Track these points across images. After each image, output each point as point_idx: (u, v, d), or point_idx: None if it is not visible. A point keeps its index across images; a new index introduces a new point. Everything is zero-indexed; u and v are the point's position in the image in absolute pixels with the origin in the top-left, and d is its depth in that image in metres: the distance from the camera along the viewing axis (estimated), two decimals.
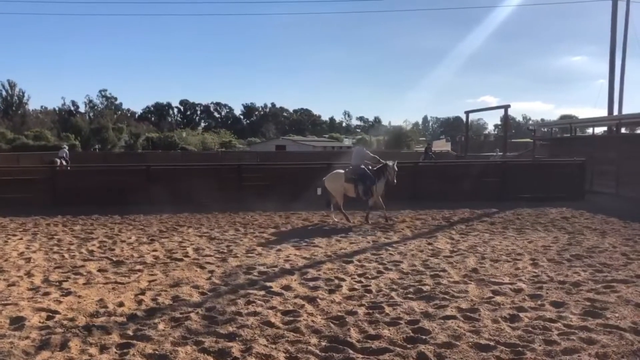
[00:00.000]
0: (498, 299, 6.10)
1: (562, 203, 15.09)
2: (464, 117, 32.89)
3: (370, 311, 5.68)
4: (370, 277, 7.18)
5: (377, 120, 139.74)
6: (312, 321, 5.36)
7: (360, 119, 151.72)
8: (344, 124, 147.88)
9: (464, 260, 8.14)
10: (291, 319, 5.45)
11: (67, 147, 30.02)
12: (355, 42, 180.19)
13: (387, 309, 5.73)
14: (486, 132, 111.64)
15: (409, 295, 6.27)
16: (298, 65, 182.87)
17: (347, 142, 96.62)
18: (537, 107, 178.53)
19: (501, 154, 26.15)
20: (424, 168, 18.24)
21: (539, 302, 5.95)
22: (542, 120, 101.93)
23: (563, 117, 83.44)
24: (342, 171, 12.45)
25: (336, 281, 6.93)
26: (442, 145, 54.59)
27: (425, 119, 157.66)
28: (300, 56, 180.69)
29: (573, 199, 15.80)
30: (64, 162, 24.59)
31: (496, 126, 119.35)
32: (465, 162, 22.60)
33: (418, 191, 16.14)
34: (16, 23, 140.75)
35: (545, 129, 35.49)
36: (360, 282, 6.92)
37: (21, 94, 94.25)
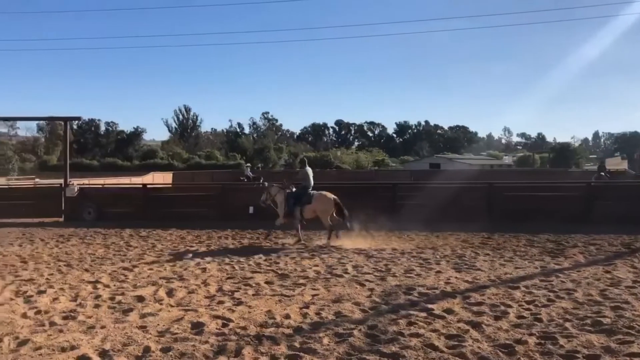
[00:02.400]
0: None
1: None
2: None
3: (542, 341, 5.27)
4: (539, 305, 6.69)
5: (540, 137, 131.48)
6: (479, 347, 5.12)
7: (522, 135, 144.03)
8: (503, 141, 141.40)
9: None
10: (456, 343, 5.26)
11: (248, 165, 33.69)
12: (514, 54, 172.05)
13: (561, 341, 5.28)
14: None
15: (586, 327, 5.71)
16: (452, 81, 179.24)
17: (507, 160, 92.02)
18: None
19: None
20: (599, 188, 16.69)
21: None
22: None
23: None
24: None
25: (502, 307, 6.57)
26: (617, 164, 49.63)
27: (596, 134, 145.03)
28: (455, 72, 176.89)
29: None
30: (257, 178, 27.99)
31: None
32: None
33: (592, 214, 14.80)
34: (190, 54, 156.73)
35: None
36: (528, 309, 6.48)
37: (195, 117, 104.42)
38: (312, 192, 12.36)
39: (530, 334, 5.51)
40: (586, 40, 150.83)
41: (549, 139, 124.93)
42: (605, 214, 14.67)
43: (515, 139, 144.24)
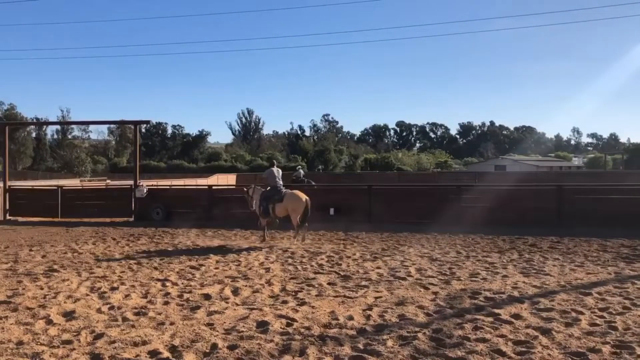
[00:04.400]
0: None
1: None
2: None
3: (618, 350, 5.03)
4: (614, 312, 6.38)
5: (613, 137, 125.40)
6: (549, 354, 4.94)
7: (593, 135, 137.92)
8: (572, 142, 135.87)
9: None
10: (524, 349, 5.10)
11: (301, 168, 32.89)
12: (581, 52, 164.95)
13: (639, 350, 5.02)
14: None
15: None
16: (518, 80, 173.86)
17: (577, 161, 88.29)
18: None
19: None
20: None
21: None
22: None
23: None
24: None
25: (573, 314, 6.31)
26: None
27: None
28: (520, 71, 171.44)
29: None
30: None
31: None
32: None
33: None
34: (253, 58, 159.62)
35: None
36: (602, 317, 6.19)
37: (257, 120, 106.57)
38: (284, 190, 12.70)
39: (605, 342, 5.27)
40: None
41: (623, 139, 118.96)
42: None
43: (585, 139, 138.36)
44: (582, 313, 6.34)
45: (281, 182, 12.93)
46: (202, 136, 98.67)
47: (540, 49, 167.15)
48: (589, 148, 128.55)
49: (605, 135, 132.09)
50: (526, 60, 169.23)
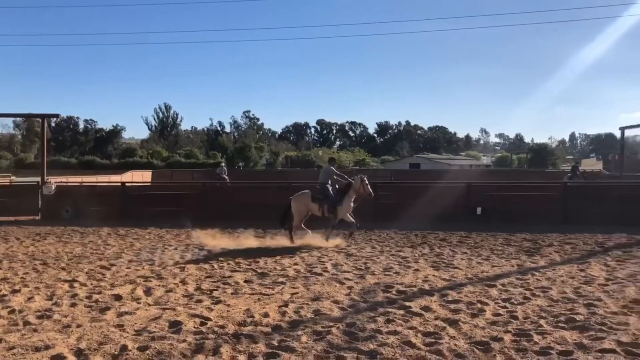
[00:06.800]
0: None
1: None
2: (617, 134, 30.20)
3: (518, 338, 5.36)
4: (516, 302, 6.79)
5: (518, 138, 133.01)
6: (455, 345, 5.18)
7: (500, 136, 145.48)
8: (481, 142, 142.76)
9: (623, 290, 7.38)
10: (432, 340, 5.32)
11: (224, 164, 31.88)
12: (493, 56, 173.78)
13: (536, 338, 5.37)
14: None
15: (560, 325, 5.82)
16: (433, 82, 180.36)
17: (485, 160, 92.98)
18: None
19: None
20: (576, 189, 16.97)
21: None
22: None
23: None
24: (308, 191, 12.28)
25: (479, 305, 6.65)
26: (592, 164, 50.41)
27: (572, 135, 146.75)
28: (435, 73, 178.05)
29: None
30: (225, 178, 26.28)
31: None
32: (623, 183, 20.64)
33: (568, 213, 15.07)
34: (171, 51, 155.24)
35: None
36: (505, 307, 6.57)
37: (175, 115, 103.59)
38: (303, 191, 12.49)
39: (506, 331, 5.59)
40: (563, 43, 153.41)
41: (527, 139, 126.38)
42: (581, 213, 14.94)
43: (493, 139, 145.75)
44: (486, 304, 6.69)
45: (323, 181, 12.49)
46: (116, 131, 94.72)
47: (454, 52, 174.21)
48: (496, 147, 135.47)
49: (512, 135, 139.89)
50: (440, 63, 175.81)
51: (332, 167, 13.10)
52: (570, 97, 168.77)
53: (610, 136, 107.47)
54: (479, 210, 15.75)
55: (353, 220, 12.08)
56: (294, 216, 12.05)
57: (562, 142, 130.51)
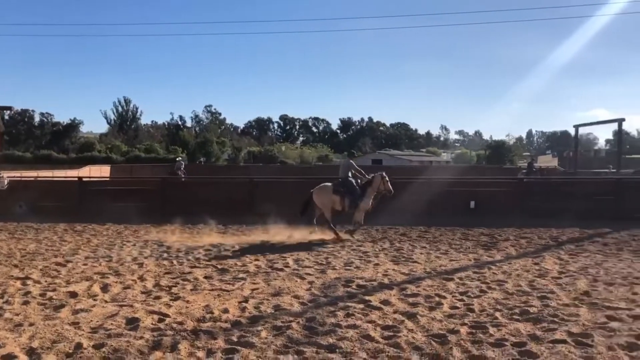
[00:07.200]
0: (614, 324, 5.65)
1: None
2: (572, 131, 31.20)
3: (473, 331, 5.49)
4: (472, 295, 6.94)
5: (477, 134, 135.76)
6: (413, 337, 5.26)
7: (460, 132, 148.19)
8: (441, 138, 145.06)
9: (574, 283, 7.65)
10: (391, 334, 5.39)
11: (182, 159, 30.97)
12: (453, 53, 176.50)
13: (491, 330, 5.50)
14: (597, 147, 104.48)
15: (515, 317, 5.98)
16: (394, 78, 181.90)
17: (445, 156, 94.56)
18: None
19: (614, 170, 24.44)
20: (530, 185, 17.43)
21: None
22: None
23: None
24: (329, 184, 12.22)
25: (437, 298, 6.78)
26: (548, 161, 51.99)
27: (529, 133, 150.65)
28: (396, 69, 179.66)
29: None
30: (181, 174, 25.46)
31: (608, 141, 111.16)
32: (576, 179, 21.34)
33: (523, 209, 15.47)
34: (131, 43, 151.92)
35: None
36: (462, 300, 6.71)
37: (135, 109, 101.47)
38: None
39: (463, 324, 5.71)
40: (520, 41, 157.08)
41: (486, 136, 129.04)
42: (536, 209, 15.36)
43: (452, 136, 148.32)
44: (444, 297, 6.82)
45: (344, 175, 12.33)
46: (73, 125, 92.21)
47: (419, 48, 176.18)
48: (456, 144, 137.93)
49: (471, 132, 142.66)
50: (403, 59, 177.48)
51: (351, 161, 13.05)
52: (529, 96, 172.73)
53: (565, 134, 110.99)
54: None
55: (362, 220, 12.13)
56: (324, 210, 12.00)
57: (520, 139, 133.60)
